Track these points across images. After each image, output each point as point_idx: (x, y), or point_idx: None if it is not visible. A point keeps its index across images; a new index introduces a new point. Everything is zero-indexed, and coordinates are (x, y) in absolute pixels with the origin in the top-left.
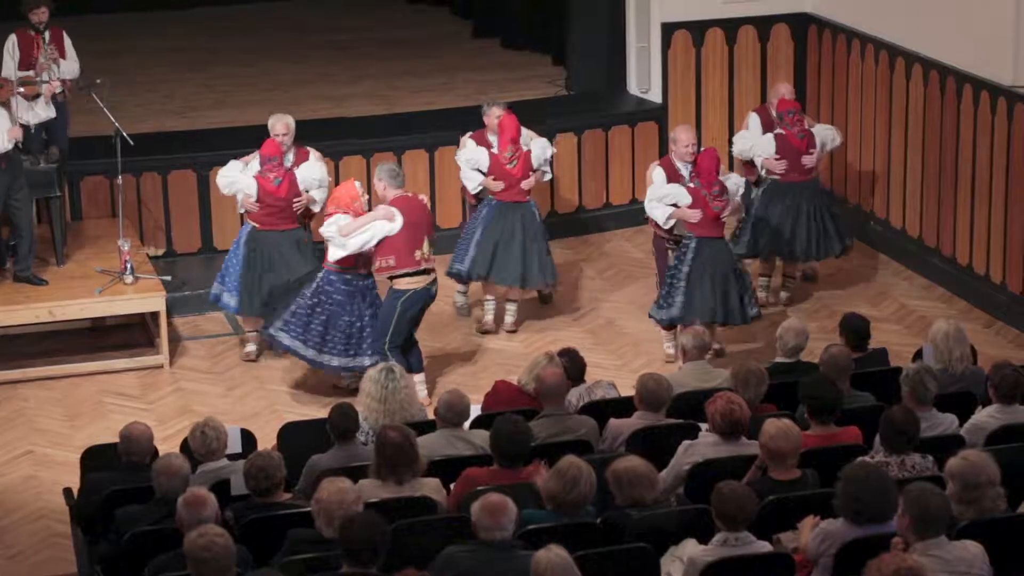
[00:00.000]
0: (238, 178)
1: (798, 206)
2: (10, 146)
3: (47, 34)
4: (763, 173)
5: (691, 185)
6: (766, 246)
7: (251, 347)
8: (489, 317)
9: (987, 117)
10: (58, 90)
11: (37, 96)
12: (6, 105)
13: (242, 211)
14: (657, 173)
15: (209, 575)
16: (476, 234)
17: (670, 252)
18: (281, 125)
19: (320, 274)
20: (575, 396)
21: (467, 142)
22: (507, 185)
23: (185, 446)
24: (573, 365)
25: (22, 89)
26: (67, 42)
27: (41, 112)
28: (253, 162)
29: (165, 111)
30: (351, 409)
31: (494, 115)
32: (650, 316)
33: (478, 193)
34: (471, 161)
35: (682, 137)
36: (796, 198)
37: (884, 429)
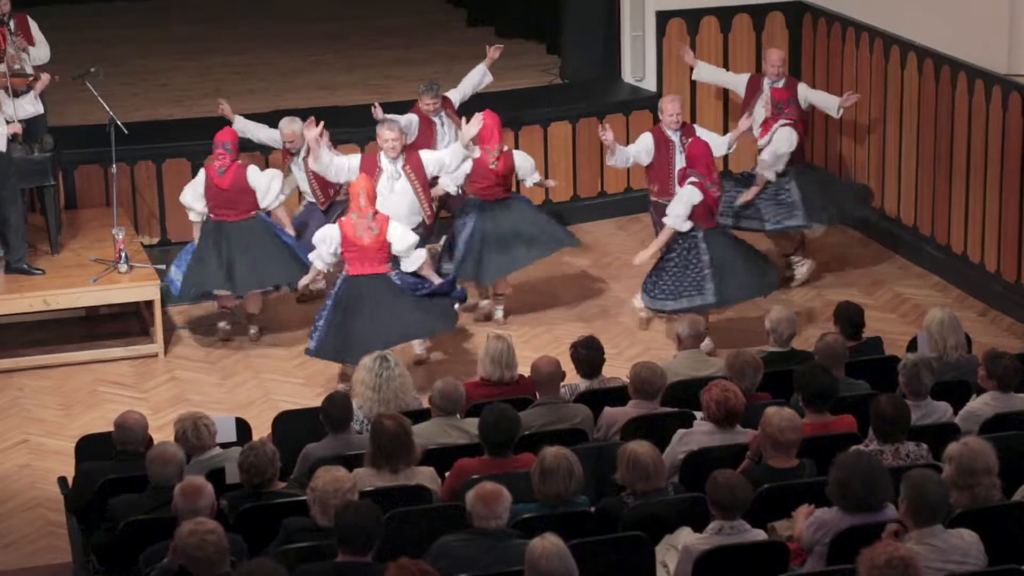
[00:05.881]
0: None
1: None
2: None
3: (12, 23)
4: None
5: (695, 180)
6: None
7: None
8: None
9: (982, 105)
10: (42, 84)
11: (27, 90)
12: None
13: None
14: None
15: (201, 571)
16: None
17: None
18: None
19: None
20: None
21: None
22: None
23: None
24: (596, 354)
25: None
26: (33, 27)
27: (29, 107)
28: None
29: (160, 99)
30: (345, 398)
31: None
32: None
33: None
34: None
35: (667, 107)
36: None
37: (874, 421)
